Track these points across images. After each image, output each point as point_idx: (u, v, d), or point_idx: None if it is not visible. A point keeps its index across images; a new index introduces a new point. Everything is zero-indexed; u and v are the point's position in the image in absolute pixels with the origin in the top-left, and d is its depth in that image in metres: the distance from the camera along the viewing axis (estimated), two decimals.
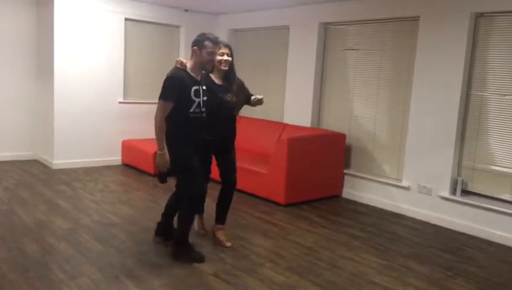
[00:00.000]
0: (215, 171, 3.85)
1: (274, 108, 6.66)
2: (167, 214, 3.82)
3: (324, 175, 5.55)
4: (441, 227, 4.79)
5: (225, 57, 3.63)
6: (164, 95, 3.33)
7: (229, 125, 3.81)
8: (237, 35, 7.37)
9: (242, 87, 3.86)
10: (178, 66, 3.46)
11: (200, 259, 3.51)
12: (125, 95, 6.91)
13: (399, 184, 5.24)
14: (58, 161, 6.39)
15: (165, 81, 3.37)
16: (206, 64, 3.44)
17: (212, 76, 3.69)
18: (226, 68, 3.66)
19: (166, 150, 3.34)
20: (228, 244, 3.85)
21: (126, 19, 6.76)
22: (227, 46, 3.68)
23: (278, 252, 3.83)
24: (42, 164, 6.64)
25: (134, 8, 6.80)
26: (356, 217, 5.00)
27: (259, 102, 3.84)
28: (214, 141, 3.65)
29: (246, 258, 3.64)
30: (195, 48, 3.42)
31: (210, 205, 4.18)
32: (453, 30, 4.69)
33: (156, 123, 3.32)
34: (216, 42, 3.45)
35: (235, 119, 3.86)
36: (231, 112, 3.78)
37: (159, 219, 4.58)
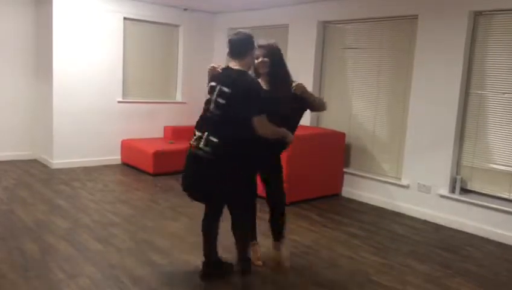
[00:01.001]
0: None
1: None
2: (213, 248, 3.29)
3: (324, 174, 5.55)
4: (440, 225, 4.79)
5: (259, 59, 3.24)
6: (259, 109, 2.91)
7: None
8: None
9: (293, 97, 3.26)
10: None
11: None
12: (124, 95, 6.90)
13: (398, 183, 5.25)
14: (58, 161, 6.39)
15: (257, 90, 2.97)
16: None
17: (261, 81, 3.28)
18: (265, 71, 3.26)
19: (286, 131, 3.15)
20: (258, 263, 3.50)
21: (125, 18, 6.76)
22: (261, 46, 3.25)
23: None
24: (42, 163, 6.64)
25: (133, 8, 6.79)
26: (355, 216, 5.00)
27: (299, 88, 3.25)
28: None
29: None
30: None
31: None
32: (452, 28, 4.69)
33: (270, 134, 3.01)
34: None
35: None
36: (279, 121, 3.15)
37: (158, 218, 4.59)
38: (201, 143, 2.92)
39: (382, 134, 5.52)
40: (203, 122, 3.04)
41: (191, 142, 3.02)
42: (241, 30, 3.11)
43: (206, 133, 2.92)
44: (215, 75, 3.05)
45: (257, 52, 3.20)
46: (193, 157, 3.00)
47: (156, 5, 6.96)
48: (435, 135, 4.89)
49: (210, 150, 2.88)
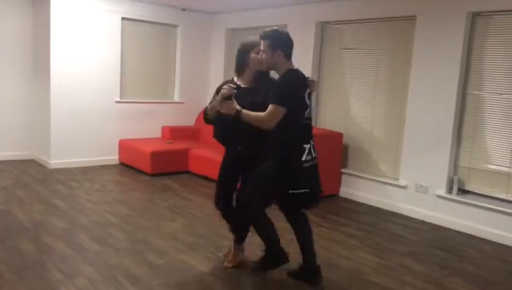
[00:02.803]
0: None
1: None
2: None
3: (321, 174, 5.51)
4: (437, 226, 4.80)
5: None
6: None
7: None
8: (234, 35, 7.36)
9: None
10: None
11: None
12: (122, 95, 6.89)
13: (396, 183, 5.25)
14: (55, 161, 6.38)
15: None
16: None
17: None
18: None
19: None
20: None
21: (123, 18, 6.75)
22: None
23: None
24: (39, 163, 6.62)
25: (131, 7, 6.78)
26: (353, 216, 5.01)
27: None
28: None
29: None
30: None
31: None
32: (450, 29, 4.70)
33: None
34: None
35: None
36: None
37: (155, 218, 4.59)
38: (313, 153, 3.11)
39: (380, 134, 5.53)
40: (307, 133, 3.12)
41: (305, 158, 3.03)
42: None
43: (311, 141, 3.10)
44: (305, 80, 3.06)
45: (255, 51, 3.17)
46: (314, 169, 3.15)
47: (154, 5, 6.96)
48: (433, 135, 4.90)
49: (316, 155, 3.15)
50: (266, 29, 3.07)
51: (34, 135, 6.79)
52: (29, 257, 3.47)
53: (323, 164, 5.52)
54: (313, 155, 3.08)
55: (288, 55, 3.07)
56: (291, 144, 3.00)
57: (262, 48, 3.04)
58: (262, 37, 3.04)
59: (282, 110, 2.89)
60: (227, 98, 2.96)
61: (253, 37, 3.20)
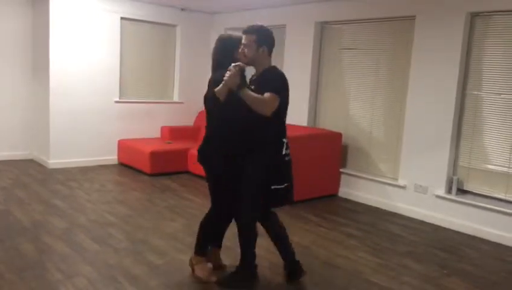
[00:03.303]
0: None
1: None
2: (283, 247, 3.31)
3: (321, 174, 5.55)
4: (436, 226, 4.80)
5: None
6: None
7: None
8: None
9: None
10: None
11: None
12: (121, 95, 6.89)
13: (395, 183, 5.26)
14: (54, 161, 6.38)
15: None
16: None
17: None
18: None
19: None
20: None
21: (122, 18, 6.75)
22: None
23: (275, 251, 3.82)
24: (38, 163, 6.62)
25: (130, 7, 6.78)
26: (352, 216, 5.01)
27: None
28: None
29: None
30: None
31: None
32: (449, 29, 4.71)
33: None
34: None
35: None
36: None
37: (154, 218, 4.59)
38: (289, 148, 3.13)
39: (379, 134, 5.54)
40: (285, 128, 3.18)
41: (284, 152, 3.07)
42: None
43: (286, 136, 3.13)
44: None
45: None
46: (290, 164, 3.14)
47: (154, 4, 6.96)
48: (432, 135, 4.91)
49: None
50: (252, 25, 3.03)
51: (34, 135, 6.79)
52: (29, 257, 3.47)
53: (322, 164, 5.58)
54: (289, 150, 3.11)
55: (270, 53, 3.06)
56: (277, 139, 3.05)
57: (244, 42, 2.97)
58: (248, 32, 2.98)
59: (278, 100, 2.92)
60: (241, 70, 2.86)
61: (234, 33, 3.19)
